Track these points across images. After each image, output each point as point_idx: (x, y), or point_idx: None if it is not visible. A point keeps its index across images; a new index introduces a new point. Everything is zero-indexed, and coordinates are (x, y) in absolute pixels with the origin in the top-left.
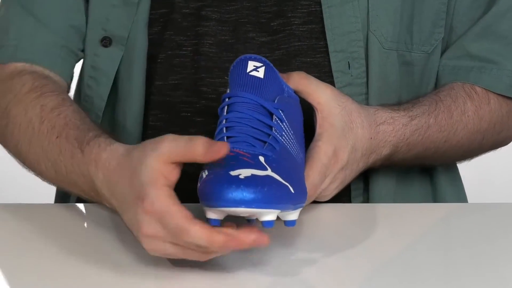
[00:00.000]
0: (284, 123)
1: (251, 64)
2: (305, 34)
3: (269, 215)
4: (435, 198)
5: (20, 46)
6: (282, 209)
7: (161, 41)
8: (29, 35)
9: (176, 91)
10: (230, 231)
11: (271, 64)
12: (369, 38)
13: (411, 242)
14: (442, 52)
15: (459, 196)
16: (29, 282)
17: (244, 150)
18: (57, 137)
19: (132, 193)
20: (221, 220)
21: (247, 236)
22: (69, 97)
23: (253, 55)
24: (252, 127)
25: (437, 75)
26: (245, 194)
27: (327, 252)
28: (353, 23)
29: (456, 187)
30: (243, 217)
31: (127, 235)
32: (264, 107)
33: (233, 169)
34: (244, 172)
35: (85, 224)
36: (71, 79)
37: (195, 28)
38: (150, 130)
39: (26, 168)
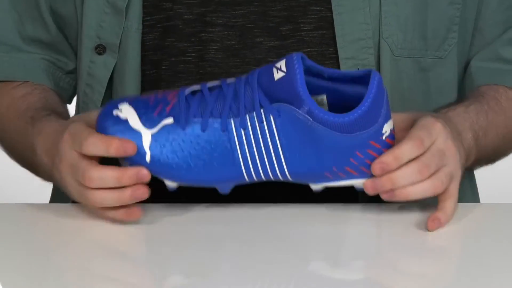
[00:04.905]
0: (253, 125)
1: (286, 62)
2: (315, 40)
3: None
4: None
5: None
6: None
7: (162, 47)
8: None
9: None
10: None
11: (298, 77)
12: (381, 46)
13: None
14: (464, 55)
15: (474, 196)
16: (28, 282)
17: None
18: (18, 118)
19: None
20: None
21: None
22: (44, 89)
23: (303, 56)
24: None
25: (469, 76)
26: None
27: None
28: (364, 30)
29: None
30: None
31: (126, 235)
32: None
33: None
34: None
35: (85, 224)
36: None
37: (199, 34)
38: None
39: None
